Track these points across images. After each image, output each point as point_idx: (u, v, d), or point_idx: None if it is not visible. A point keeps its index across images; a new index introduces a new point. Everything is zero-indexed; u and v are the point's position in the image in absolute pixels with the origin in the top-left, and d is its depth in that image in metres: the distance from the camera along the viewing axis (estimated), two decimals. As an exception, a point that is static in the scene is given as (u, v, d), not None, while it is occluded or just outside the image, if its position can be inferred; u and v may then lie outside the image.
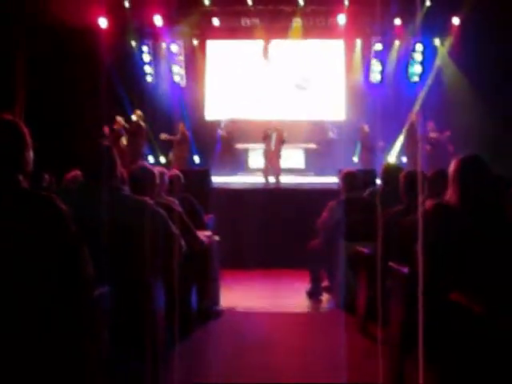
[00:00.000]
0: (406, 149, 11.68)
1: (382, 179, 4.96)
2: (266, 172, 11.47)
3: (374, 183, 6.77)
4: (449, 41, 13.21)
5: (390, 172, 4.71)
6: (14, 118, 2.32)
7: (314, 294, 6.08)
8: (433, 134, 11.43)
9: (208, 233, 5.29)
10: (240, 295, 6.26)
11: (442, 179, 3.04)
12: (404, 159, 11.93)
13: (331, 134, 12.84)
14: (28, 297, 2.18)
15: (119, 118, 11.57)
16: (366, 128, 11.99)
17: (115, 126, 11.46)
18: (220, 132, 12.72)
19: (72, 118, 11.34)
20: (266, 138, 11.35)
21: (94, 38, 12.28)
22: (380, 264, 3.41)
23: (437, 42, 13.40)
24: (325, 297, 6.08)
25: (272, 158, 11.40)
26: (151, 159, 12.55)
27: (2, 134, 2.25)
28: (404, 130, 11.68)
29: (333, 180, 9.01)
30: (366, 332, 4.44)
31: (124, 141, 11.38)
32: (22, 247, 2.16)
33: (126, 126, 11.40)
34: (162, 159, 12.95)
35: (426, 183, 3.78)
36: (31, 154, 2.37)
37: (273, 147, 11.33)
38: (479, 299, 2.46)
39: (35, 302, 2.20)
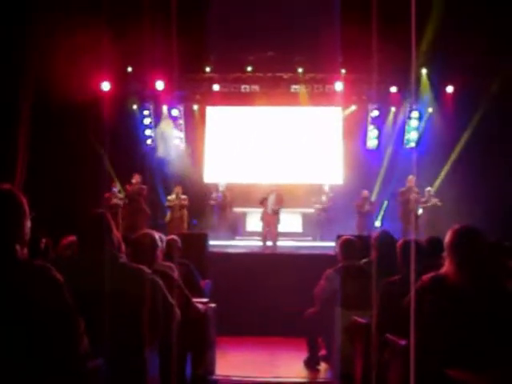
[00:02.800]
0: (401, 214, 11.69)
1: (375, 247, 4.96)
2: (264, 236, 11.47)
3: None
4: (442, 108, 13.50)
5: (384, 240, 4.71)
6: (12, 188, 2.35)
7: (311, 363, 5.96)
8: (424, 199, 11.54)
9: (204, 300, 5.24)
10: (236, 363, 6.13)
11: (436, 247, 3.05)
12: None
13: (329, 195, 12.92)
14: (22, 368, 2.16)
15: (114, 190, 11.68)
16: (366, 193, 12.09)
17: (114, 189, 11.55)
18: (214, 200, 12.72)
19: (72, 181, 11.43)
20: (263, 202, 11.41)
21: (96, 101, 12.54)
22: (376, 335, 3.38)
23: (431, 109, 13.69)
24: (322, 366, 5.96)
25: (269, 221, 11.43)
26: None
27: (0, 205, 2.28)
28: (399, 195, 11.74)
29: (330, 244, 9.01)
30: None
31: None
32: (18, 318, 2.16)
33: (119, 200, 11.46)
34: (161, 222, 12.96)
35: (422, 252, 3.79)
36: (28, 223, 2.39)
37: (270, 210, 11.37)
38: (476, 374, 2.43)
39: (29, 373, 2.18)
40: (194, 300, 4.70)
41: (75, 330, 2.30)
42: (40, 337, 2.19)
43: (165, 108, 14.17)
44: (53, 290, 2.27)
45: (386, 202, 12.30)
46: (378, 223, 12.45)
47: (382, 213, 12.76)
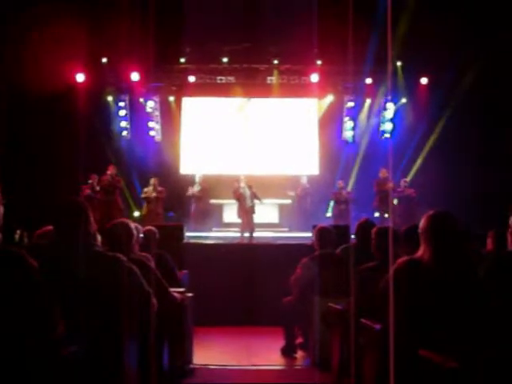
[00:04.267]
0: (377, 203, 11.81)
1: (356, 235, 5.00)
2: (242, 227, 11.51)
3: (348, 239, 6.81)
4: (417, 99, 13.65)
5: (365, 228, 4.75)
6: None
7: (288, 351, 6.00)
8: (399, 189, 11.66)
9: (181, 289, 5.24)
10: (213, 352, 6.15)
11: (414, 235, 3.09)
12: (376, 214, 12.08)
13: (305, 184, 12.99)
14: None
15: (94, 176, 11.57)
16: (341, 183, 12.21)
17: (90, 181, 11.45)
18: (191, 191, 12.68)
19: (47, 173, 11.31)
20: (239, 197, 11.41)
21: (71, 92, 12.41)
22: (353, 321, 3.42)
23: (405, 100, 13.82)
24: (299, 354, 6.00)
25: (246, 213, 11.45)
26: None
27: None
28: (374, 186, 11.85)
29: (306, 235, 9.06)
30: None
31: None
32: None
33: (94, 192, 11.35)
34: (136, 213, 12.90)
35: (398, 239, 3.84)
36: (1, 209, 2.36)
37: (249, 204, 11.40)
38: (450, 355, 2.47)
39: (3, 358, 2.17)
40: (171, 290, 4.70)
41: (49, 316, 2.29)
42: (13, 322, 2.18)
43: (140, 100, 14.06)
44: (26, 276, 2.26)
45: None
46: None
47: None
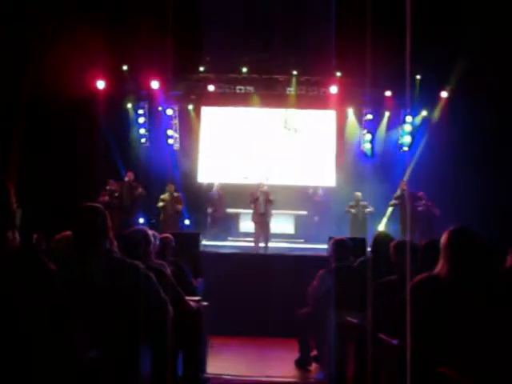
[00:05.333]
0: (400, 218, 11.75)
1: (373, 248, 4.95)
2: (256, 237, 11.48)
3: (364, 252, 6.76)
4: (437, 113, 13.58)
5: (381, 241, 4.71)
6: None
7: (302, 364, 5.97)
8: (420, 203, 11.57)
9: (197, 298, 5.23)
10: (227, 362, 6.13)
11: (434, 249, 3.06)
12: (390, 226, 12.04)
13: (320, 193, 12.98)
14: (15, 359, 2.15)
15: (111, 182, 11.65)
16: (359, 196, 12.16)
17: (108, 187, 11.53)
18: (212, 194, 12.73)
19: (66, 179, 11.40)
20: (254, 201, 11.38)
21: (91, 99, 12.52)
22: (370, 335, 3.39)
23: (425, 113, 13.76)
24: (314, 366, 5.96)
25: (261, 222, 11.43)
26: (142, 220, 12.53)
27: None
28: (393, 199, 11.80)
29: (323, 247, 9.02)
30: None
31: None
32: (10, 307, 2.14)
33: (112, 198, 11.40)
34: (153, 220, 12.94)
35: (417, 254, 3.80)
36: (18, 211, 2.37)
37: (262, 209, 11.36)
38: (468, 373, 2.44)
39: (23, 365, 2.17)
40: (187, 298, 4.69)
41: (66, 321, 2.29)
42: (31, 326, 2.18)
43: (159, 108, 14.15)
44: (45, 280, 2.26)
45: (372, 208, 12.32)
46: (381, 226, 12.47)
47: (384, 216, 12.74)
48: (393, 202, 11.80)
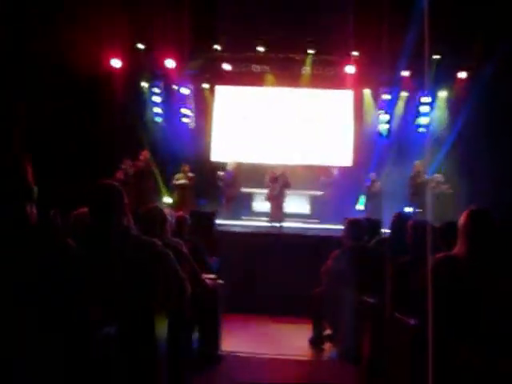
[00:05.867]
0: (411, 198, 11.69)
1: (392, 228, 4.93)
2: (271, 216, 11.50)
3: (379, 233, 6.75)
4: (455, 93, 13.42)
5: (400, 221, 4.68)
6: (12, 151, 2.35)
7: (316, 342, 6.01)
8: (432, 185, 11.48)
9: (213, 276, 5.27)
10: (242, 340, 6.18)
11: (452, 231, 3.05)
12: (409, 209, 11.95)
13: (335, 171, 12.97)
14: (33, 334, 2.17)
15: (127, 161, 11.69)
16: (374, 176, 12.11)
17: (123, 166, 11.57)
18: (222, 178, 12.70)
19: (82, 157, 11.44)
20: (273, 181, 11.37)
21: (106, 78, 12.51)
22: (386, 315, 3.39)
23: (443, 94, 13.61)
24: (327, 345, 5.99)
25: (276, 202, 11.43)
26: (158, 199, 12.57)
27: (2, 169, 2.27)
28: (409, 179, 11.73)
29: (337, 227, 9.01)
30: (368, 383, 4.37)
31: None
32: (28, 281, 2.16)
33: (127, 177, 11.45)
34: (168, 199, 12.98)
35: (434, 234, 3.78)
36: (36, 188, 2.38)
37: (277, 191, 11.36)
38: (482, 350, 2.45)
39: (41, 340, 2.19)
40: (203, 276, 4.72)
41: (84, 297, 2.32)
42: (49, 301, 2.20)
43: (174, 87, 14.12)
44: (64, 256, 2.28)
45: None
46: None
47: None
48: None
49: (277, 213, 11.44)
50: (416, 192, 11.43)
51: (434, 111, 13.65)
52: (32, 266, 2.16)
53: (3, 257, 2.12)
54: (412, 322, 3.02)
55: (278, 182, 11.39)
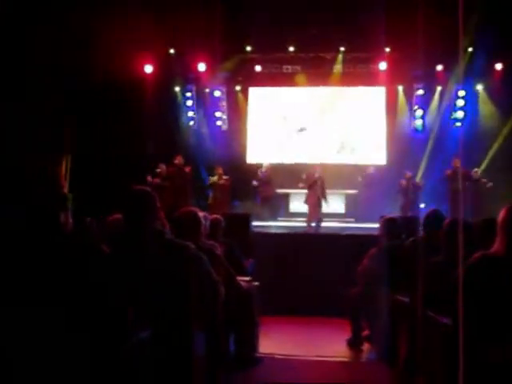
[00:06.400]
0: (448, 195, 11.50)
1: (424, 227, 4.85)
2: (309, 217, 11.46)
3: (416, 231, 6.65)
4: (491, 86, 13.16)
5: (434, 220, 4.60)
6: (45, 161, 2.37)
7: (354, 343, 5.96)
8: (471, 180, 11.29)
9: (248, 278, 5.28)
10: (279, 342, 6.17)
11: (491, 228, 2.98)
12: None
13: (371, 170, 12.85)
14: (69, 338, 2.21)
15: (161, 165, 11.82)
16: (409, 174, 11.97)
17: (159, 171, 11.71)
18: (257, 179, 12.71)
19: (116, 163, 11.60)
20: (313, 185, 11.31)
21: (140, 83, 12.67)
22: (420, 315, 3.34)
23: (479, 87, 13.36)
24: (365, 346, 5.94)
25: (314, 203, 11.38)
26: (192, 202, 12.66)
27: (37, 178, 2.31)
28: (446, 176, 11.53)
29: (373, 226, 8.93)
30: (406, 384, 4.31)
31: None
32: (65, 290, 2.20)
33: (162, 181, 11.57)
34: (202, 202, 13.06)
35: (472, 233, 3.70)
36: (70, 196, 2.42)
37: (319, 193, 11.32)
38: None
39: (76, 344, 2.22)
40: (238, 278, 4.74)
41: (120, 303, 2.34)
42: (85, 308, 2.23)
43: (207, 90, 14.21)
44: (97, 263, 2.31)
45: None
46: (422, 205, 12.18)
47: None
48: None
49: (315, 213, 11.40)
50: (454, 189, 11.24)
51: (471, 105, 13.40)
52: (65, 274, 2.19)
53: (37, 266, 2.16)
54: (445, 320, 2.97)
55: (317, 184, 11.31)
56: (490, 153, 12.48)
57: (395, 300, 4.54)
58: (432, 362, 3.20)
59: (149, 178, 11.39)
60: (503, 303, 2.64)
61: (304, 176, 11.76)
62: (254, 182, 12.64)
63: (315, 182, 11.28)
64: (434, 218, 4.69)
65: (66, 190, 2.35)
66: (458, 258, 2.68)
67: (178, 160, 11.91)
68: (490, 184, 11.21)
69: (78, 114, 11.38)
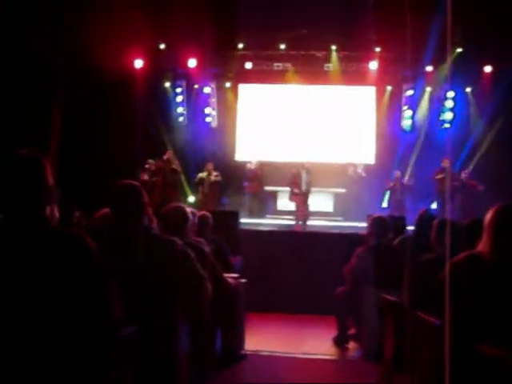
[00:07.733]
0: (438, 195, 11.57)
1: (416, 226, 4.87)
2: (297, 215, 11.47)
3: (404, 230, 6.68)
4: (479, 89, 13.23)
5: (425, 219, 4.62)
6: (30, 152, 2.30)
7: (340, 342, 5.96)
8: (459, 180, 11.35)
9: (235, 275, 5.26)
10: (265, 339, 6.16)
11: (478, 229, 2.99)
12: (433, 205, 11.82)
13: (359, 171, 12.85)
14: (53, 334, 2.18)
15: (150, 161, 11.78)
16: (398, 173, 12.01)
17: (147, 166, 11.67)
18: (249, 171, 12.71)
19: (105, 157, 11.54)
20: (295, 181, 11.32)
21: (129, 78, 12.60)
22: (408, 313, 3.35)
23: (468, 89, 13.42)
24: (351, 345, 5.94)
25: (300, 200, 11.39)
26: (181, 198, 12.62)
27: (21, 170, 2.25)
28: (436, 177, 11.59)
29: (361, 225, 8.95)
30: (391, 382, 4.32)
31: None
32: (50, 285, 2.17)
33: (151, 176, 11.53)
34: (191, 198, 13.04)
35: (460, 233, 3.71)
36: (58, 190, 2.37)
37: (304, 188, 11.33)
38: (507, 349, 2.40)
39: (60, 339, 2.19)
40: (225, 275, 4.72)
41: (107, 298, 2.31)
42: (71, 303, 2.20)
43: (197, 86, 14.16)
44: (85, 257, 2.28)
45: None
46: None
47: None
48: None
49: (302, 211, 11.41)
50: (442, 189, 11.29)
51: (459, 106, 13.47)
52: (48, 268, 2.16)
53: (16, 259, 2.12)
54: (433, 320, 2.98)
55: (303, 178, 11.33)
56: (477, 155, 12.55)
57: (382, 298, 4.54)
58: (419, 360, 3.20)
59: (143, 175, 11.35)
60: (488, 301, 2.65)
61: (289, 176, 11.77)
62: (245, 184, 12.64)
63: (297, 178, 11.30)
64: (425, 217, 4.71)
65: (52, 182, 2.31)
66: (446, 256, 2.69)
67: (168, 155, 11.88)
68: (481, 187, 11.26)
69: (66, 109, 11.31)
